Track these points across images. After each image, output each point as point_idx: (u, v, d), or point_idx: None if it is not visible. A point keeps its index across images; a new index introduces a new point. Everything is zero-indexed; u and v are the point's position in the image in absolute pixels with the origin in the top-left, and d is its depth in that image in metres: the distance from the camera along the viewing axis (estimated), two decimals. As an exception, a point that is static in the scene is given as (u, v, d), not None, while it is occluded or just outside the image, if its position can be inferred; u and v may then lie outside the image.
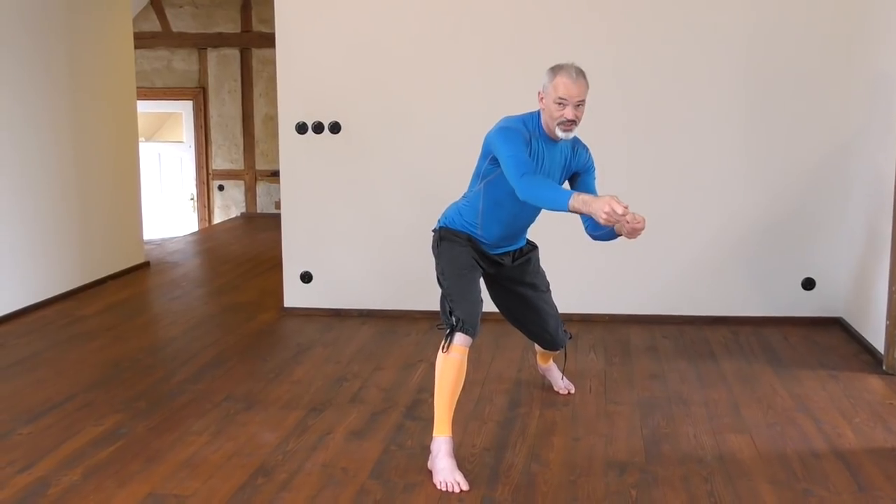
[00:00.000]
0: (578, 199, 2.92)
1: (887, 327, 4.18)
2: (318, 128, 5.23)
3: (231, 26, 10.19)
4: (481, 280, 3.44)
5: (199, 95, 10.37)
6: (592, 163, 3.44)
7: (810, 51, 4.87)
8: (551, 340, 3.72)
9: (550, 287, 3.68)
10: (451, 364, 3.09)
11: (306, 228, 5.38)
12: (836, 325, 5.03)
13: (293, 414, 3.72)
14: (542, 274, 3.64)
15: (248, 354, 4.61)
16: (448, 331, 3.14)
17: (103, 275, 6.38)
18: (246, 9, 10.13)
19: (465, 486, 2.97)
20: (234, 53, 10.26)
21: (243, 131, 10.40)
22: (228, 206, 10.64)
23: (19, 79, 5.44)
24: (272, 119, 10.04)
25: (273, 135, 9.90)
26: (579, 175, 3.43)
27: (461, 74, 5.11)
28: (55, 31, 5.81)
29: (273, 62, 6.02)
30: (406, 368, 4.35)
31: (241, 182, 10.55)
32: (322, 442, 3.41)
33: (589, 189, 3.45)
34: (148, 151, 10.21)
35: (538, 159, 3.25)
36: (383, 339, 4.87)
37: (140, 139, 7.39)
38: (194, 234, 9.37)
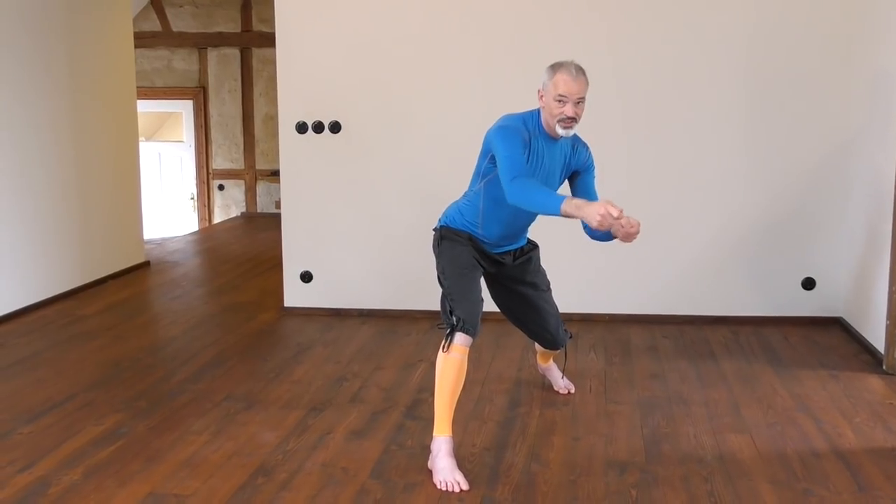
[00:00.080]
0: (571, 204, 2.92)
1: (887, 327, 4.18)
2: (318, 127, 5.23)
3: (231, 26, 10.19)
4: (482, 279, 3.44)
5: (200, 95, 10.37)
6: (592, 162, 3.44)
7: (810, 51, 4.87)
8: (552, 340, 3.72)
9: (551, 286, 3.68)
10: (451, 364, 3.09)
11: (306, 228, 5.39)
12: (837, 325, 5.03)
13: (293, 413, 3.72)
14: (542, 273, 3.64)
15: (249, 354, 4.62)
16: (448, 330, 3.14)
17: (103, 274, 6.38)
18: (246, 8, 10.12)
19: (465, 486, 2.98)
20: (234, 53, 10.26)
21: (243, 131, 10.40)
22: (228, 205, 10.65)
23: (19, 79, 5.44)
24: (272, 119, 10.05)
25: (273, 134, 9.90)
26: (579, 174, 3.43)
27: (461, 74, 5.11)
28: (55, 30, 5.81)
29: (273, 62, 6.02)
30: (406, 368, 4.35)
31: (242, 182, 10.55)
32: (322, 441, 3.41)
33: (588, 189, 3.45)
34: (148, 151, 10.22)
35: (538, 158, 3.25)
36: (383, 339, 4.87)
37: (140, 139, 7.39)
38: (194, 233, 9.37)
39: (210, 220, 10.61)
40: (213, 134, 10.46)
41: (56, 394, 3.97)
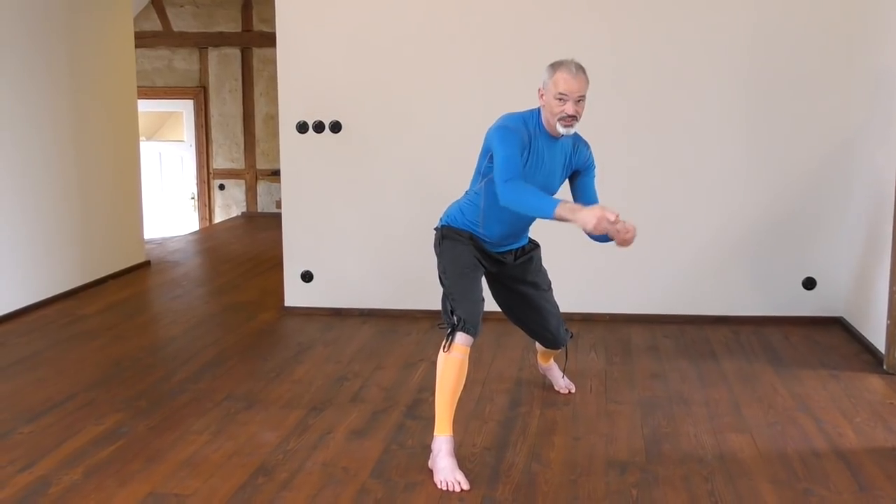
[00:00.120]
0: (566, 208, 2.94)
1: (888, 327, 4.18)
2: (318, 127, 5.23)
3: (232, 26, 10.19)
4: (483, 279, 3.44)
5: (200, 95, 10.37)
6: (593, 161, 3.44)
7: (811, 51, 4.87)
8: (553, 339, 3.71)
9: (552, 286, 3.67)
10: (452, 363, 3.09)
11: (307, 227, 5.39)
12: (837, 325, 5.02)
13: (294, 413, 3.72)
14: (543, 272, 3.63)
15: (249, 354, 4.62)
16: (449, 330, 3.14)
17: (104, 274, 6.38)
18: (247, 8, 10.12)
19: (465, 486, 2.97)
20: (234, 53, 10.26)
21: (244, 130, 10.40)
22: (229, 205, 10.65)
23: (20, 78, 5.44)
24: (273, 118, 10.04)
25: (274, 134, 9.90)
26: (579, 174, 3.42)
27: (462, 74, 5.11)
28: (56, 31, 5.81)
29: (274, 61, 6.03)
30: (407, 368, 4.35)
31: (242, 181, 10.55)
32: (323, 441, 3.41)
33: (587, 189, 3.44)
34: (149, 150, 10.22)
35: (538, 157, 3.24)
36: (384, 339, 4.87)
37: (141, 138, 7.39)
38: (195, 233, 9.37)
39: (210, 219, 10.61)
40: (214, 133, 10.46)
41: (56, 393, 3.97)
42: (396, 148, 5.22)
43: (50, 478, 3.08)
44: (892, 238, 4.14)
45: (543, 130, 3.24)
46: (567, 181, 3.47)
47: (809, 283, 5.07)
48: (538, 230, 3.60)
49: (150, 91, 10.21)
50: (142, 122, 7.96)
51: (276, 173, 9.79)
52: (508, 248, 3.48)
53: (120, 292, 6.10)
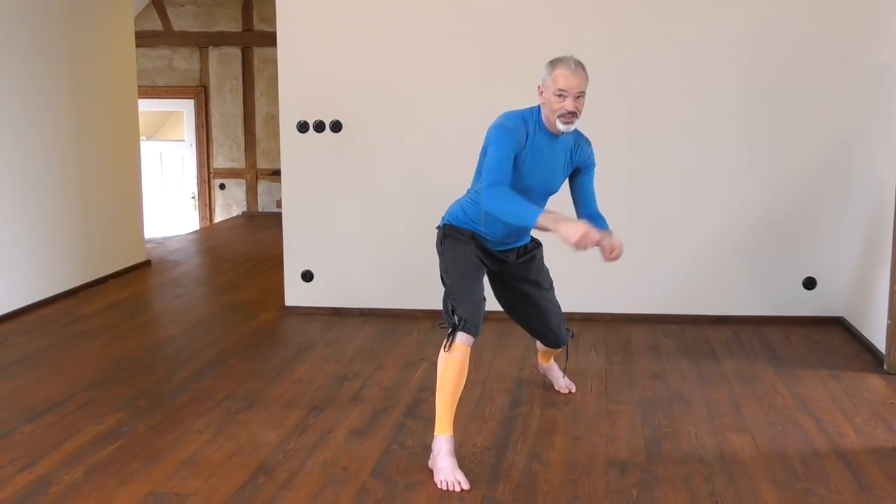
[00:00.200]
0: (549, 218, 2.97)
1: (888, 326, 4.18)
2: (319, 126, 5.23)
3: (232, 25, 10.19)
4: (485, 277, 3.43)
5: (201, 94, 10.37)
6: (594, 160, 3.43)
7: (811, 51, 4.87)
8: (554, 338, 3.71)
9: (554, 285, 3.67)
10: (452, 363, 3.09)
11: (307, 227, 5.39)
12: (838, 325, 5.02)
13: (294, 413, 3.72)
14: (545, 272, 3.63)
15: (249, 353, 4.62)
16: (450, 330, 3.14)
17: (104, 273, 6.38)
18: (247, 8, 10.12)
19: (465, 486, 2.97)
20: (235, 52, 10.26)
21: (244, 130, 10.40)
22: (229, 204, 10.65)
23: (21, 78, 5.45)
24: (273, 118, 10.04)
25: (274, 133, 9.90)
26: (579, 172, 3.41)
27: (462, 73, 5.11)
28: (56, 30, 5.81)
29: (274, 61, 6.02)
30: (407, 367, 4.35)
31: (243, 181, 10.55)
32: (323, 441, 3.41)
33: (586, 189, 3.44)
34: (149, 150, 10.22)
35: (538, 155, 3.23)
36: (384, 338, 4.87)
37: (141, 138, 7.39)
38: (195, 232, 9.37)
39: (211, 219, 10.61)
40: (215, 133, 10.46)
41: (57, 393, 3.97)
42: (397, 147, 5.22)
43: (50, 477, 3.08)
44: (893, 238, 4.14)
45: (543, 128, 3.23)
46: (567, 181, 3.47)
47: (810, 283, 5.07)
48: (535, 233, 3.59)
49: (150, 90, 10.21)
50: (142, 122, 7.96)
51: (276, 173, 9.80)
52: (510, 246, 3.47)
53: (120, 292, 6.11)
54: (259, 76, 10.26)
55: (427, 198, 4.96)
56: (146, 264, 7.01)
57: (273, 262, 6.90)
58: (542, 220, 2.97)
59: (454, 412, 3.12)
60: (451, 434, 3.10)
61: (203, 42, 10.24)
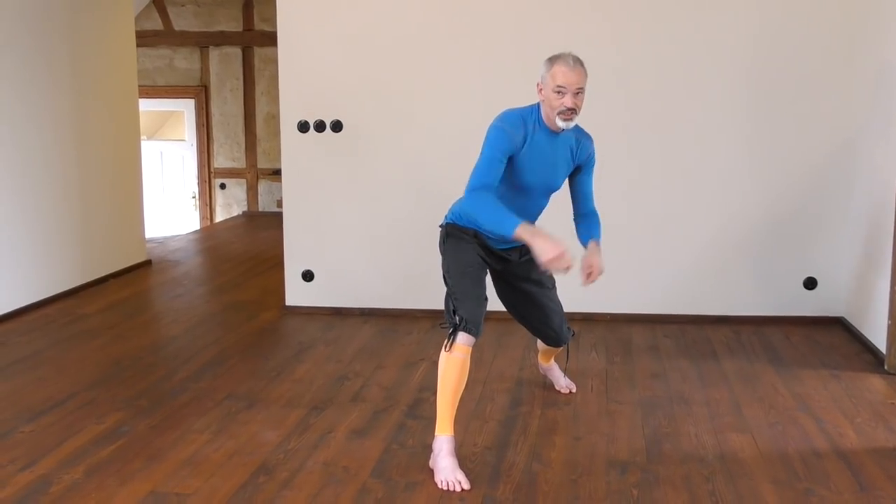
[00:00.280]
0: (527, 231, 3.01)
1: (889, 327, 4.18)
2: (319, 126, 5.23)
3: (233, 25, 10.20)
4: (487, 276, 3.43)
5: (201, 94, 10.38)
6: (594, 158, 3.42)
7: (812, 51, 4.86)
8: (555, 337, 3.71)
9: (556, 284, 3.67)
10: (453, 363, 3.09)
11: (308, 227, 5.39)
12: (838, 325, 5.02)
13: (294, 412, 3.72)
14: None
15: (250, 353, 4.62)
16: (451, 330, 3.14)
17: (105, 273, 6.38)
18: (248, 7, 10.12)
19: (466, 485, 2.97)
20: (235, 52, 10.26)
21: (245, 130, 10.40)
22: (230, 204, 10.65)
23: (21, 78, 5.45)
24: (274, 117, 10.04)
25: (275, 133, 9.90)
26: (580, 169, 3.40)
27: (463, 72, 5.11)
28: (57, 30, 5.81)
29: (275, 61, 6.03)
30: (407, 367, 4.35)
31: (243, 180, 10.55)
32: (323, 440, 3.41)
33: (583, 188, 3.44)
34: (150, 150, 10.22)
35: (538, 153, 3.21)
36: (385, 338, 4.87)
37: (142, 137, 7.39)
38: (196, 232, 9.37)
39: (211, 218, 10.61)
40: (215, 133, 10.47)
41: (57, 392, 3.97)
42: (397, 147, 5.22)
43: (51, 477, 3.08)
44: (893, 238, 4.14)
45: (543, 126, 3.22)
46: (567, 180, 3.46)
47: (810, 283, 5.07)
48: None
49: (151, 90, 10.21)
50: (143, 122, 7.97)
51: (277, 172, 9.80)
52: (513, 245, 3.45)
53: (121, 291, 6.11)
54: (260, 76, 10.26)
55: (427, 197, 4.96)
56: (147, 264, 7.01)
57: (273, 262, 6.90)
58: (519, 231, 3.00)
59: (455, 412, 3.12)
60: (452, 434, 3.10)
61: (204, 42, 10.24)
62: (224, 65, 10.30)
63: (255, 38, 10.17)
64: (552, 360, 4.01)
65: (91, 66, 6.21)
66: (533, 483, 3.03)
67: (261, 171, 10.46)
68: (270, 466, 3.17)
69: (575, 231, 3.48)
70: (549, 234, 3.01)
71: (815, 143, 4.94)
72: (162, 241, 8.27)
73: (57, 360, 4.50)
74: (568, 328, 3.74)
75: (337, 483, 3.04)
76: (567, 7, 5.00)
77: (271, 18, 9.51)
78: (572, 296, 4.79)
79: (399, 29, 5.13)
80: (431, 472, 3.08)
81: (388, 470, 3.14)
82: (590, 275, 3.26)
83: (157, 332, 5.16)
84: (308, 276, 5.41)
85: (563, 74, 3.11)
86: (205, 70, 10.35)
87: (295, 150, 5.31)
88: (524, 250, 3.48)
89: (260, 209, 10.53)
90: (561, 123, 3.17)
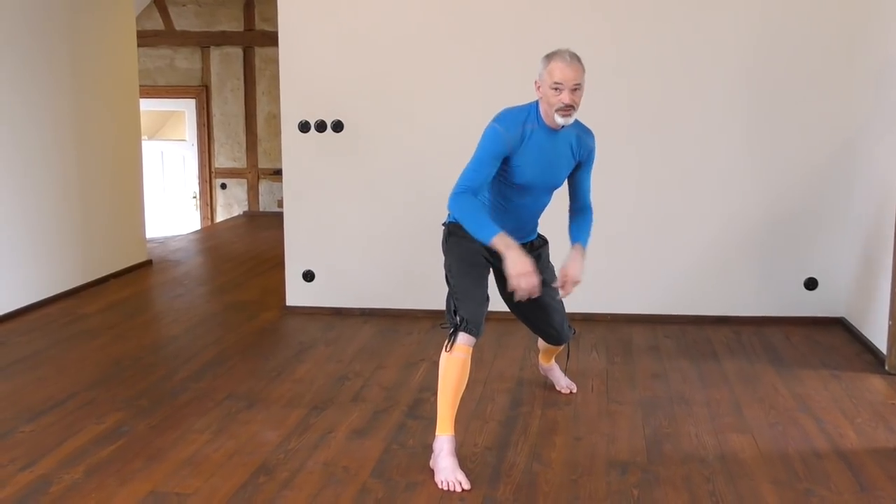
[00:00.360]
0: (503, 242, 3.07)
1: (890, 327, 4.18)
2: (320, 126, 5.23)
3: (234, 25, 10.20)
4: (490, 275, 3.42)
5: (202, 94, 10.38)
6: (595, 153, 3.40)
7: (813, 51, 4.86)
8: (556, 336, 3.70)
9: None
10: (454, 363, 3.09)
11: (308, 227, 5.39)
12: (839, 325, 5.02)
13: (295, 412, 3.72)
14: (551, 269, 3.60)
15: (250, 353, 4.62)
16: (452, 330, 3.14)
17: (105, 273, 6.38)
18: (249, 7, 10.13)
19: (466, 486, 2.97)
20: (236, 52, 10.26)
21: (246, 130, 10.40)
22: (231, 204, 10.65)
23: (22, 78, 5.45)
24: (275, 117, 10.04)
25: (276, 133, 9.90)
26: (580, 165, 3.39)
27: (463, 73, 5.11)
28: (58, 30, 5.82)
29: (276, 61, 6.02)
30: (408, 367, 4.35)
31: (244, 180, 10.56)
32: (324, 440, 3.41)
33: (581, 185, 3.43)
34: (150, 149, 10.22)
35: (538, 151, 3.19)
36: (385, 338, 4.87)
37: (143, 137, 7.39)
38: (197, 232, 9.38)
39: (212, 218, 10.62)
40: (216, 133, 10.47)
41: (57, 392, 3.97)
42: (398, 147, 5.22)
43: (51, 477, 3.08)
44: (894, 238, 4.14)
45: (543, 124, 3.21)
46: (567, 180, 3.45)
47: (811, 284, 5.06)
48: (540, 229, 3.59)
49: (151, 90, 10.21)
50: (144, 121, 7.97)
51: (277, 172, 9.80)
52: (517, 242, 3.43)
53: (121, 291, 6.11)
54: (260, 76, 10.27)
55: (428, 198, 4.95)
56: (147, 264, 7.01)
57: (274, 262, 6.90)
58: (495, 241, 3.07)
59: (455, 412, 3.12)
60: (453, 434, 3.10)
61: (204, 42, 10.25)
62: (225, 65, 10.31)
63: (256, 38, 10.17)
64: (553, 360, 4.01)
65: (92, 66, 6.21)
66: (533, 483, 3.03)
67: (261, 171, 10.47)
68: (270, 466, 3.17)
69: (567, 227, 3.48)
70: (520, 250, 3.07)
71: (816, 143, 4.94)
72: (162, 241, 8.28)
73: (57, 360, 4.50)
74: (569, 326, 3.73)
75: (337, 483, 3.03)
76: (567, 7, 5.00)
77: (272, 18, 9.52)
78: (573, 296, 4.78)
79: (399, 29, 5.13)
80: (432, 472, 3.08)
81: (388, 470, 3.14)
82: (563, 285, 3.27)
83: (158, 332, 5.16)
84: (308, 276, 5.41)
85: (559, 71, 3.10)
86: (206, 70, 10.35)
87: (296, 150, 5.31)
88: (527, 248, 3.47)
89: (261, 209, 10.53)
90: (559, 120, 3.15)
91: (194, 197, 10.70)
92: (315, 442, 3.40)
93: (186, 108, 10.53)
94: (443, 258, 3.38)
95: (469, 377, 3.17)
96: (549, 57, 3.16)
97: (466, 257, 3.30)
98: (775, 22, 4.88)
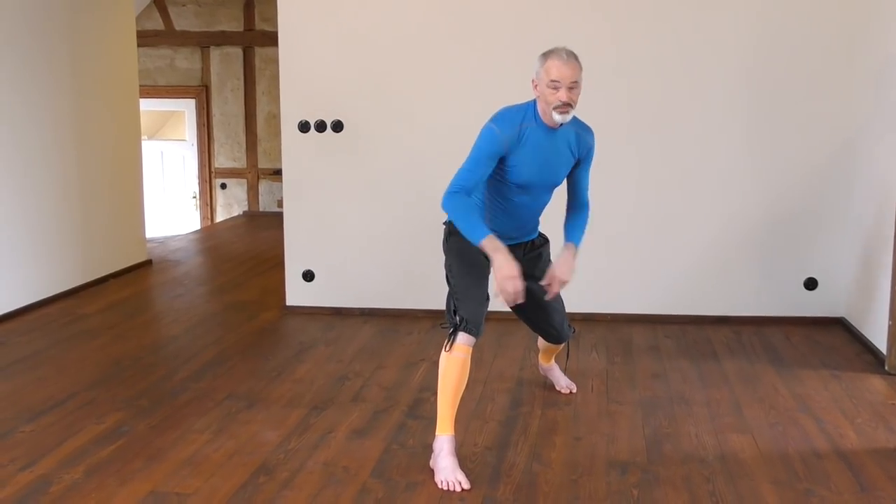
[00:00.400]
0: (491, 245, 3.07)
1: (890, 327, 4.18)
2: (320, 126, 5.23)
3: (234, 25, 10.20)
4: (490, 275, 3.41)
5: (202, 94, 10.38)
6: (594, 151, 3.39)
7: (813, 51, 4.86)
8: (556, 335, 3.70)
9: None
10: (454, 363, 3.09)
11: (308, 227, 5.39)
12: (839, 325, 5.02)
13: (295, 412, 3.72)
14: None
15: (250, 353, 4.62)
16: (451, 329, 3.14)
17: (105, 273, 6.38)
18: (249, 7, 10.13)
19: (466, 486, 2.97)
20: (236, 52, 10.26)
21: (246, 129, 10.40)
22: (231, 204, 10.65)
23: (22, 78, 5.45)
24: (275, 117, 10.04)
25: (275, 133, 9.90)
26: (579, 162, 3.38)
27: (463, 73, 5.11)
28: (58, 30, 5.81)
29: (276, 61, 6.02)
30: (408, 367, 4.35)
31: (244, 180, 10.55)
32: (324, 440, 3.41)
33: (579, 183, 3.43)
34: (150, 149, 10.22)
35: (537, 150, 3.18)
36: (385, 338, 4.87)
37: (143, 137, 7.39)
38: (196, 232, 9.38)
39: (212, 218, 10.61)
40: (216, 133, 10.47)
41: (57, 392, 3.97)
42: (398, 147, 5.22)
43: (51, 477, 3.08)
44: (894, 238, 4.14)
45: (541, 122, 3.20)
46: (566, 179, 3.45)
47: (811, 284, 5.06)
48: (542, 228, 3.59)
49: (151, 90, 10.21)
50: (144, 121, 7.97)
51: (277, 172, 9.80)
52: (517, 241, 3.42)
53: (121, 291, 6.11)
54: (260, 76, 10.26)
55: (428, 198, 4.93)
56: (147, 264, 7.01)
57: (274, 262, 6.90)
58: (484, 243, 3.08)
59: (455, 412, 3.12)
60: (453, 434, 3.10)
61: (204, 42, 10.24)
62: (225, 65, 10.30)
63: (255, 37, 10.17)
64: (552, 359, 4.01)
65: (92, 66, 6.21)
66: (533, 483, 3.03)
67: (261, 170, 10.47)
68: (270, 466, 3.17)
69: (563, 224, 3.48)
70: (507, 254, 3.06)
71: (816, 143, 4.94)
72: (162, 241, 8.27)
73: (57, 360, 4.50)
74: (569, 326, 3.73)
75: (337, 483, 3.03)
76: (567, 7, 5.00)
77: (272, 18, 9.51)
78: (573, 296, 4.79)
79: (399, 29, 5.13)
80: (432, 472, 3.08)
81: (388, 470, 3.14)
82: (550, 284, 3.28)
83: (158, 331, 5.16)
84: (308, 275, 5.41)
85: (556, 69, 3.09)
86: (206, 70, 10.35)
87: (296, 150, 5.31)
88: (528, 247, 3.48)
89: (260, 209, 10.53)
90: (557, 118, 3.14)
91: (194, 197, 10.70)
92: (315, 442, 3.40)
93: (186, 108, 10.53)
94: (443, 258, 3.37)
95: (469, 377, 3.17)
96: (546, 55, 3.15)
97: (467, 257, 3.30)
98: (775, 22, 4.88)
